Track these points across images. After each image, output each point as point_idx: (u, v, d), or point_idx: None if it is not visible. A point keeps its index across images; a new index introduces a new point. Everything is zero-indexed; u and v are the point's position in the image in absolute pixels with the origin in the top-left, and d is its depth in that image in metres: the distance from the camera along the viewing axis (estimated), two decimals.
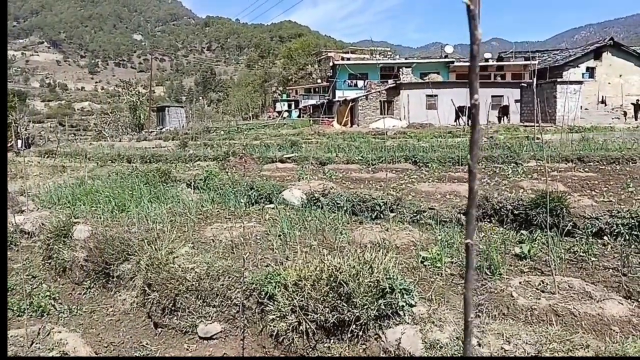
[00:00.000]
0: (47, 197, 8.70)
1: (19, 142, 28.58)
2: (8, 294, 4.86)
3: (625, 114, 32.90)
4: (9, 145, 29.19)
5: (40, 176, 13.02)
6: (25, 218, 7.37)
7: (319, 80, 65.38)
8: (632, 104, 33.11)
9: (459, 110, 30.70)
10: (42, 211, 7.65)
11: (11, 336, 3.76)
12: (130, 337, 3.98)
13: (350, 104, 36.60)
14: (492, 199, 6.30)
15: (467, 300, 0.81)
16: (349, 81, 44.04)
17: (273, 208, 7.27)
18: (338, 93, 42.72)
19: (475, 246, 0.79)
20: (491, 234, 5.50)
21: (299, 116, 52.86)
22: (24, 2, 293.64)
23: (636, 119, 31.71)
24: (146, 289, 4.09)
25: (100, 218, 6.39)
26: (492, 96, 33.67)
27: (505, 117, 33.21)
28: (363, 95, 36.34)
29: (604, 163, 10.27)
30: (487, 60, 44.43)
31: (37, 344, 3.48)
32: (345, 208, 6.62)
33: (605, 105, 34.08)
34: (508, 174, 9.68)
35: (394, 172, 10.62)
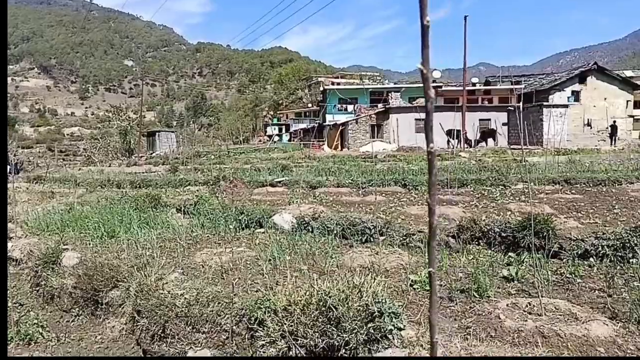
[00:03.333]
0: (36, 224, 8.62)
1: (8, 167, 28.32)
2: None
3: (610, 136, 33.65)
4: None
5: (29, 202, 12.89)
6: (14, 245, 7.28)
7: (310, 105, 66.10)
8: (610, 126, 33.63)
9: (448, 134, 31.19)
10: (31, 238, 7.57)
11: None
12: None
13: (341, 128, 36.98)
14: (480, 221, 6.38)
15: (432, 322, 0.86)
16: (339, 105, 44.58)
17: (263, 232, 7.28)
18: (328, 117, 43.20)
19: (436, 274, 0.85)
20: (479, 256, 5.56)
21: (289, 140, 53.21)
22: (14, 29, 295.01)
23: (611, 143, 32.19)
24: (135, 315, 4.07)
25: (90, 244, 6.36)
26: (480, 120, 34.29)
27: (492, 140, 33.74)
28: (353, 119, 36.77)
29: (590, 185, 10.44)
30: (474, 84, 45.32)
31: None
32: (335, 232, 6.65)
33: (591, 127, 34.76)
34: (496, 197, 9.81)
35: (383, 195, 10.71)
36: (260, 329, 3.42)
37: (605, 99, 36.84)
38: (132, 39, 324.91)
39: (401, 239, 6.17)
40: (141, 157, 36.53)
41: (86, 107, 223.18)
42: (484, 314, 3.71)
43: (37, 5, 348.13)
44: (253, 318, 3.50)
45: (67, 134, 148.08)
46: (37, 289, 5.67)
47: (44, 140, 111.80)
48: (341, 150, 34.89)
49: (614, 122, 33.68)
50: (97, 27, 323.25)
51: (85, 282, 4.87)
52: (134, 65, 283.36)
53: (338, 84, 54.81)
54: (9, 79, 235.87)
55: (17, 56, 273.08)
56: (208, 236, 7.10)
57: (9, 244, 7.43)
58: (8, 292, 5.90)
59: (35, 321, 4.71)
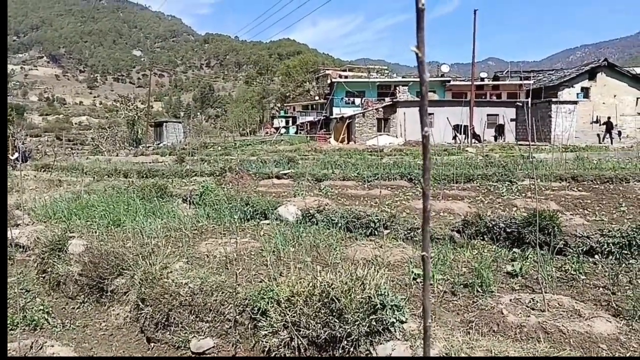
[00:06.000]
0: (43, 211, 8.70)
1: (16, 154, 28.55)
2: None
3: (619, 133, 33.18)
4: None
5: (37, 190, 13.00)
6: (21, 232, 7.36)
7: (317, 97, 65.93)
8: (604, 123, 32.70)
9: (456, 129, 31.02)
10: (38, 225, 7.65)
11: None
12: (123, 351, 3.98)
13: (347, 121, 36.88)
14: (486, 217, 6.36)
15: (425, 307, 0.87)
16: (347, 98, 44.41)
17: (268, 224, 7.30)
18: (335, 110, 43.07)
19: (431, 259, 0.86)
20: (484, 251, 5.55)
21: (296, 132, 53.19)
22: (24, 17, 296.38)
23: (602, 140, 31.27)
24: (140, 303, 4.10)
25: (96, 232, 6.41)
26: (488, 115, 34.04)
27: (500, 136, 33.51)
28: (360, 113, 36.65)
29: (598, 182, 10.36)
30: (482, 79, 44.97)
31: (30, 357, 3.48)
32: (339, 224, 6.66)
33: (600, 125, 34.41)
34: (502, 192, 9.76)
35: (389, 189, 10.69)
36: (263, 319, 3.44)
37: (614, 96, 36.43)
38: (140, 29, 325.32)
39: (406, 232, 6.17)
40: (148, 147, 36.68)
41: (94, 97, 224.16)
42: (486, 308, 3.71)
43: None
44: (256, 308, 3.53)
45: (75, 123, 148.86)
46: (43, 275, 5.73)
47: (52, 129, 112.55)
48: (348, 143, 34.83)
49: (609, 118, 33.08)
50: (106, 17, 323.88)
51: (91, 270, 4.92)
52: (142, 56, 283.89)
53: (346, 77, 54.59)
54: (18, 67, 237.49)
55: (27, 44, 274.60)
56: (213, 226, 7.13)
57: (17, 231, 7.51)
58: (15, 278, 5.98)
59: (41, 307, 4.76)
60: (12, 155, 28.75)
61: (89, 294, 5.02)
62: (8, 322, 4.51)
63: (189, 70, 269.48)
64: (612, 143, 30.34)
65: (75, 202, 8.74)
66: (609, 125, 32.20)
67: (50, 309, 4.84)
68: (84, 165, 19.48)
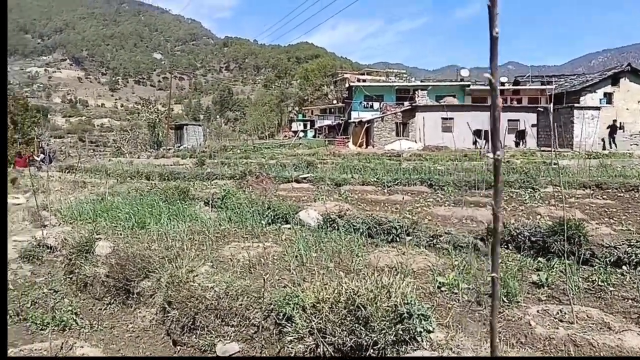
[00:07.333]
0: (69, 213, 8.89)
1: (42, 155, 29.20)
2: (32, 306, 4.98)
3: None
4: (32, 158, 29.93)
5: (62, 191, 13.30)
6: (48, 233, 7.54)
7: (335, 101, 66.04)
8: (608, 126, 31.49)
9: (476, 134, 30.72)
10: (64, 226, 7.82)
11: (35, 349, 3.86)
12: (150, 353, 4.05)
13: (366, 125, 36.84)
14: (509, 225, 6.30)
15: (493, 326, 0.88)
16: (365, 102, 44.37)
17: (289, 228, 7.34)
18: (354, 114, 43.06)
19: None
20: (508, 260, 5.49)
21: (314, 136, 53.34)
22: (48, 20, 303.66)
23: (604, 148, 29.84)
24: (166, 306, 4.17)
25: (121, 234, 6.53)
26: (509, 120, 33.63)
27: (522, 142, 33.07)
28: (379, 117, 36.57)
29: (623, 190, 10.17)
30: (503, 84, 44.51)
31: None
32: (361, 230, 6.66)
33: (624, 131, 33.72)
34: (525, 200, 9.64)
35: (409, 194, 10.65)
36: (289, 324, 3.47)
37: (638, 101, 35.69)
38: (161, 32, 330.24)
39: (428, 239, 6.14)
40: (169, 149, 37.16)
41: (116, 99, 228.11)
42: (513, 319, 3.68)
43: None
44: (281, 313, 3.56)
45: (97, 125, 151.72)
46: (71, 276, 5.85)
47: (75, 131, 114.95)
48: (366, 147, 34.77)
49: (614, 121, 32.18)
50: (128, 20, 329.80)
51: (118, 272, 5.02)
52: (163, 59, 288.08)
53: (364, 80, 54.61)
54: (42, 69, 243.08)
55: (51, 47, 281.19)
56: (235, 230, 7.20)
57: (44, 232, 7.69)
58: (43, 278, 6.13)
59: (70, 308, 4.87)
60: (37, 157, 29.45)
61: (115, 296, 5.12)
62: (38, 321, 4.63)
63: (209, 73, 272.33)
64: (611, 147, 29.41)
65: (100, 204, 8.92)
66: (612, 129, 31.35)
67: (79, 309, 4.94)
68: (107, 167, 19.84)
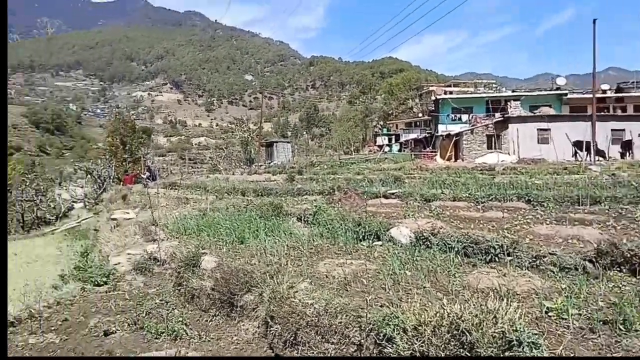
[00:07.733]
0: (175, 227, 9.63)
1: (147, 173, 31.87)
2: (146, 316, 5.42)
3: None
4: (139, 175, 32.82)
5: (167, 207, 14.41)
6: (158, 247, 8.22)
7: (420, 115, 64.90)
8: (625, 141, 28.49)
9: (576, 145, 28.55)
10: (172, 240, 8.48)
11: (153, 357, 4.20)
12: None
13: (455, 138, 35.76)
14: (622, 245, 5.77)
15: None
16: (453, 115, 43.11)
17: (381, 245, 7.33)
18: (441, 127, 42.01)
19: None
20: (622, 284, 5.04)
21: (399, 150, 52.76)
22: (150, 49, 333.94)
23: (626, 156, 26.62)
24: (268, 320, 4.36)
25: (223, 249, 6.94)
26: (612, 130, 30.88)
27: (628, 153, 30.15)
28: (468, 129, 35.34)
29: None
30: (604, 91, 41.05)
31: None
32: (456, 249, 6.48)
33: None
34: (636, 217, 8.76)
35: (505, 211, 10.15)
36: (389, 345, 3.47)
37: None
38: (251, 55, 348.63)
39: (530, 260, 5.82)
40: (260, 166, 38.82)
41: (211, 119, 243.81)
42: (633, 350, 3.37)
43: (170, 27, 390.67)
44: (382, 334, 3.57)
45: (195, 144, 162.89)
46: (179, 288, 6.32)
47: (175, 149, 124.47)
48: (455, 161, 33.71)
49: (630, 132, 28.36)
50: (221, 45, 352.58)
51: (222, 285, 5.34)
52: (254, 80, 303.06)
53: (451, 92, 53.08)
54: (145, 93, 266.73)
55: (153, 73, 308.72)
56: (328, 246, 7.34)
57: (154, 246, 8.39)
58: (154, 289, 6.66)
59: (180, 319, 5.24)
60: (143, 174, 32.24)
61: (220, 308, 5.44)
62: (153, 330, 5.03)
63: (296, 92, 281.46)
64: (626, 157, 25.95)
65: (203, 219, 9.55)
66: (628, 145, 28.52)
67: (188, 320, 5.32)
68: (206, 183, 21.17)
